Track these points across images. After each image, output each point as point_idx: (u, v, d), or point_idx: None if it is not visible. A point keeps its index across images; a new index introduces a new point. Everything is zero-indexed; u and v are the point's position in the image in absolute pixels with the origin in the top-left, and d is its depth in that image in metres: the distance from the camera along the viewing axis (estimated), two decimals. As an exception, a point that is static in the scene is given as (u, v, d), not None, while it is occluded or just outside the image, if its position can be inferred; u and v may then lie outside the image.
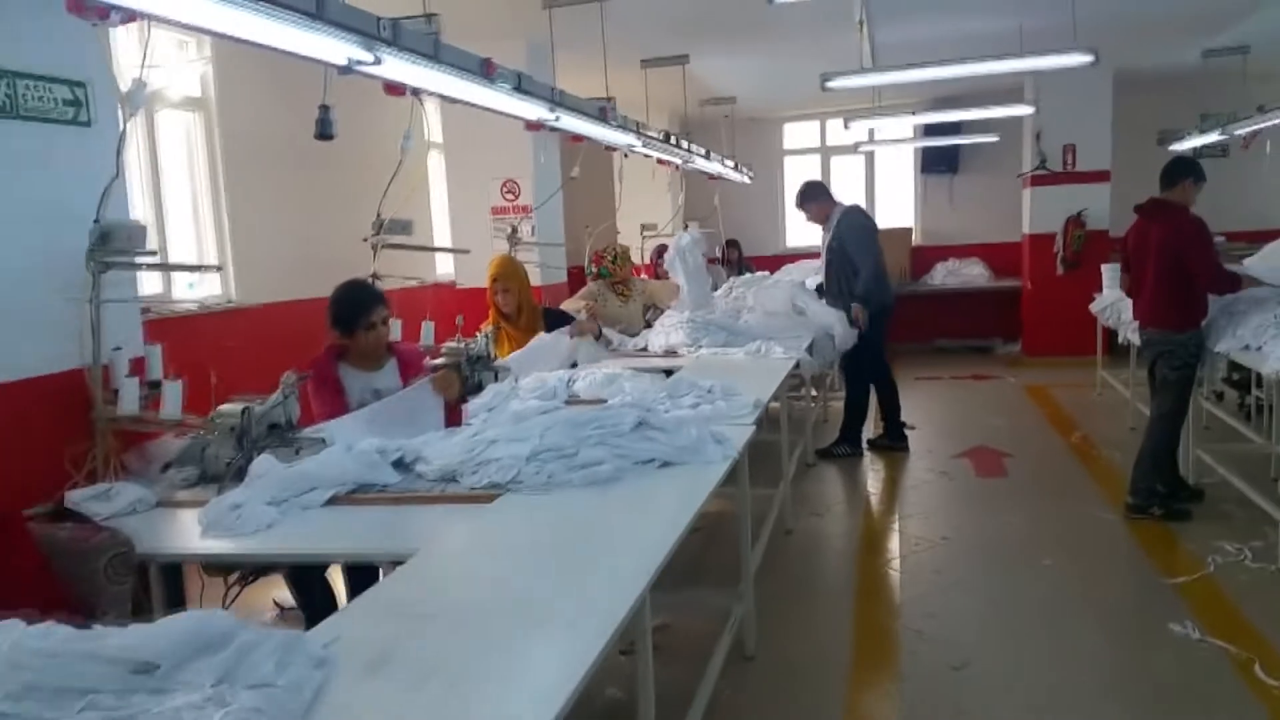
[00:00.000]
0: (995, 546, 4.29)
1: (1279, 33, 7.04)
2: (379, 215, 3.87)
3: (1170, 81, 8.83)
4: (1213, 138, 7.06)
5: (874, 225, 5.98)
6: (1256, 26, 6.85)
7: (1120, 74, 8.54)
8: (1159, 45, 7.48)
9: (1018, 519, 4.61)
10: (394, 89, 3.29)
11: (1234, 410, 5.99)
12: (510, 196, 6.09)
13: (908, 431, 6.09)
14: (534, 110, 3.88)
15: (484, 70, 3.30)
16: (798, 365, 4.74)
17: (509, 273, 4.59)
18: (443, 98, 3.51)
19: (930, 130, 9.49)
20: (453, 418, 3.23)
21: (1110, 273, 6.92)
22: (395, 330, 4.00)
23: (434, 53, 2.95)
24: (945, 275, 10.05)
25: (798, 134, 10.86)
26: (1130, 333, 5.24)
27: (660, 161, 7.17)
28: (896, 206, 10.63)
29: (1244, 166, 8.01)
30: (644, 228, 7.96)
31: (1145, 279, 4.43)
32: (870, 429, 6.18)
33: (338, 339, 3.24)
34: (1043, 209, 8.91)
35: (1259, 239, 6.64)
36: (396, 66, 2.78)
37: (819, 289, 6.14)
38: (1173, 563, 3.96)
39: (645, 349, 5.27)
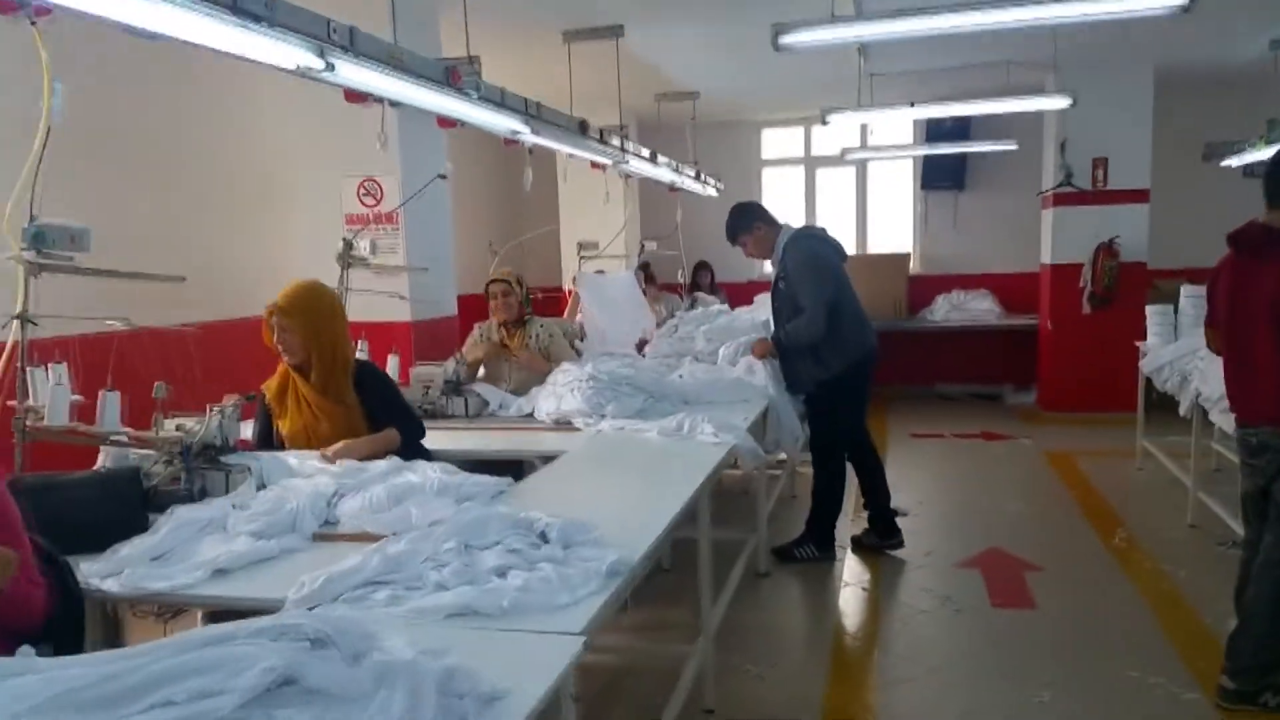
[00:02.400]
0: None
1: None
2: (31, 219, 2.35)
3: (1219, 83, 7.37)
4: (1288, 148, 5.57)
5: (826, 253, 4.35)
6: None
7: (1161, 72, 7.07)
8: (1215, 34, 6.01)
9: (1057, 698, 3.06)
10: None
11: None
12: (370, 200, 4.55)
13: (900, 519, 4.58)
14: (294, 55, 2.38)
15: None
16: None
17: (294, 305, 2.90)
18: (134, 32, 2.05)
19: (933, 135, 7.99)
20: None
21: (1158, 317, 5.44)
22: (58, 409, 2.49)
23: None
24: (948, 310, 8.56)
25: (779, 141, 9.37)
26: (1219, 412, 3.74)
27: (594, 165, 5.71)
28: (893, 228, 9.16)
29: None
30: (581, 246, 6.38)
31: (1256, 350, 2.86)
32: (851, 513, 4.66)
33: None
34: (1067, 234, 7.38)
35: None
36: None
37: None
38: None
39: (531, 415, 3.81)
